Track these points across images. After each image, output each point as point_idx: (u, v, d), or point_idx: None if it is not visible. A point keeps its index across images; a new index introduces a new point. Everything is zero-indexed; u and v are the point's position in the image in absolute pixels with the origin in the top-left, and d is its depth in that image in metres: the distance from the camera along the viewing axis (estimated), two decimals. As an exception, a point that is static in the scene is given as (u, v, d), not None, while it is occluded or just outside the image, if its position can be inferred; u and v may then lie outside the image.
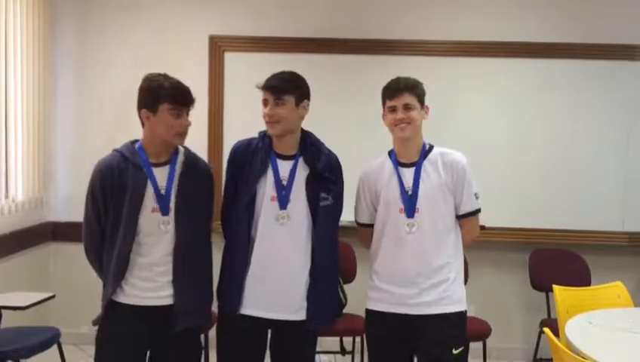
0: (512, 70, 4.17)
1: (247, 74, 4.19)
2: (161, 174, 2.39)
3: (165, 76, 2.40)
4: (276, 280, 2.43)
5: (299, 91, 2.45)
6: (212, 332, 3.68)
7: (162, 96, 2.33)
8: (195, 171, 2.47)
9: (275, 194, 2.43)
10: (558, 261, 4.05)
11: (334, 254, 2.55)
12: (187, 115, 2.38)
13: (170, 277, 2.36)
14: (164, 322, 2.35)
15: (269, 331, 2.54)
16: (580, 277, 3.88)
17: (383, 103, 2.54)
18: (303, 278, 2.45)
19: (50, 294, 3.25)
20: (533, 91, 4.18)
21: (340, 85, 4.08)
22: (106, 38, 4.26)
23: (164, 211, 2.36)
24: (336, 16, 4.22)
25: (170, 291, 2.36)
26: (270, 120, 2.42)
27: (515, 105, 4.19)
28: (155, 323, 2.36)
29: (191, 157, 2.50)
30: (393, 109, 2.48)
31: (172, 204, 2.37)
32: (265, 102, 2.44)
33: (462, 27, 4.18)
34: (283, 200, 2.43)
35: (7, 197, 3.83)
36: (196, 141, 4.23)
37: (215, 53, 4.20)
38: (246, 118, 4.15)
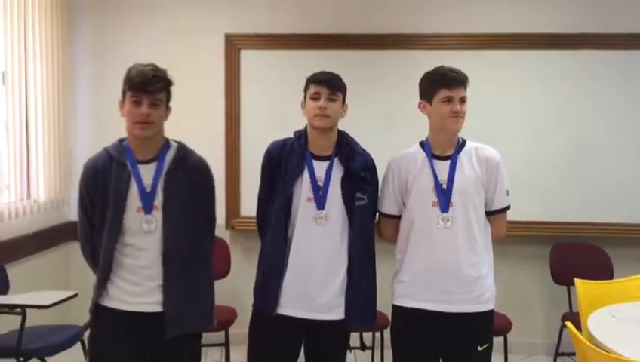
0: (529, 62, 4.12)
1: (263, 71, 4.24)
2: (147, 171, 2.27)
3: (143, 64, 2.26)
4: (314, 281, 2.43)
5: (345, 91, 2.51)
6: (232, 329, 3.74)
7: (126, 82, 2.24)
8: (185, 167, 2.32)
9: (311, 195, 2.44)
10: (579, 254, 4.01)
11: (371, 254, 2.54)
12: (151, 105, 2.21)
13: (159, 282, 2.24)
14: (154, 330, 2.22)
15: (305, 330, 2.52)
16: (602, 271, 3.84)
17: (432, 90, 2.45)
18: (340, 278, 2.45)
19: (73, 293, 3.29)
20: (551, 83, 4.13)
21: (356, 81, 4.00)
22: (123, 38, 4.29)
23: (147, 210, 2.24)
24: (351, 11, 4.21)
25: (158, 297, 2.24)
26: (323, 113, 2.41)
27: (532, 98, 4.14)
28: (145, 331, 2.24)
29: (183, 153, 2.35)
30: (449, 100, 2.42)
31: (159, 203, 2.25)
32: (315, 96, 2.43)
33: (476, 20, 4.14)
34: (320, 200, 2.43)
35: (29, 197, 3.89)
36: (213, 137, 4.28)
37: (231, 51, 4.21)
38: (263, 115, 4.22)
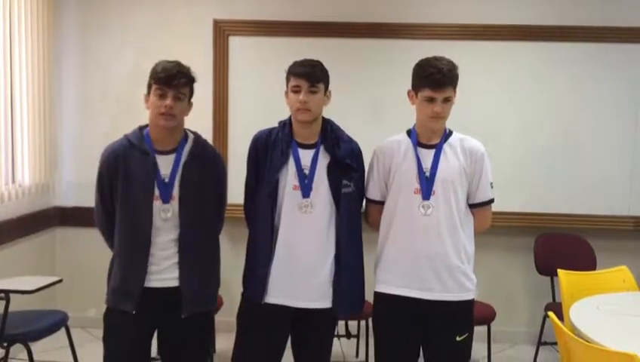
0: (518, 54, 4.13)
1: (251, 58, 4.21)
2: (166, 162, 2.38)
3: (168, 60, 2.40)
4: (301, 269, 2.44)
5: (327, 79, 2.48)
6: (218, 316, 3.74)
7: (152, 76, 2.37)
8: (202, 159, 2.45)
9: (297, 183, 2.44)
10: (563, 245, 4.04)
11: (359, 241, 2.54)
12: (175, 98, 2.34)
13: (175, 260, 2.37)
14: (171, 305, 2.36)
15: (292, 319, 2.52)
16: (585, 262, 3.87)
17: (417, 86, 2.44)
18: (328, 266, 2.46)
19: (58, 278, 3.27)
20: (539, 75, 4.14)
21: (345, 69, 4.04)
22: (110, 24, 4.24)
23: (165, 199, 2.35)
24: (341, -1, 4.20)
25: (175, 274, 2.37)
26: (304, 107, 2.40)
27: (521, 89, 4.16)
28: (161, 305, 2.37)
29: (199, 145, 2.48)
30: (431, 99, 2.40)
31: (176, 193, 2.37)
32: (296, 89, 2.41)
33: (469, 10, 4.14)
34: (306, 188, 2.43)
35: (13, 182, 3.85)
36: (201, 124, 4.24)
37: (219, 37, 4.18)
38: (251, 101, 4.20)
